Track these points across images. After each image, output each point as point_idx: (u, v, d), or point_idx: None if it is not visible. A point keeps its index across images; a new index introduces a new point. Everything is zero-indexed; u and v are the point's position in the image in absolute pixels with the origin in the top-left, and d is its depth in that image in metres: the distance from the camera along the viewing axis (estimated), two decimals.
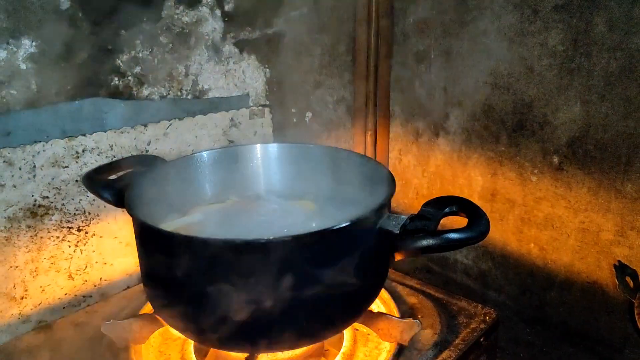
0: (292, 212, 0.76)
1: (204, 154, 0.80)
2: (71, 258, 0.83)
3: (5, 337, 0.78)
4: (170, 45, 0.89)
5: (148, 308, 0.78)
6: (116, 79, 0.84)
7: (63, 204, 0.81)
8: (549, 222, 1.02)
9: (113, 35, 0.82)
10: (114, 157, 0.84)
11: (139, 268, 0.72)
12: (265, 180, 0.84)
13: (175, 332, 0.71)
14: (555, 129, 0.96)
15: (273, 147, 0.84)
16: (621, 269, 0.92)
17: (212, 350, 0.72)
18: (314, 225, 0.70)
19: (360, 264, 0.60)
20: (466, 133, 1.11)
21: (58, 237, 0.81)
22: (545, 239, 1.03)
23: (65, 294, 0.84)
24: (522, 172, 1.03)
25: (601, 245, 0.95)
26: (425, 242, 0.56)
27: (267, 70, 1.05)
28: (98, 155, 0.82)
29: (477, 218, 0.57)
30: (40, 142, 0.77)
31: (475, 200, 1.01)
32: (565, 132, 0.95)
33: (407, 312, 0.78)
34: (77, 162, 0.81)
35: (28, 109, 0.76)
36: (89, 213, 0.84)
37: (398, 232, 0.57)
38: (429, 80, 1.15)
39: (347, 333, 0.73)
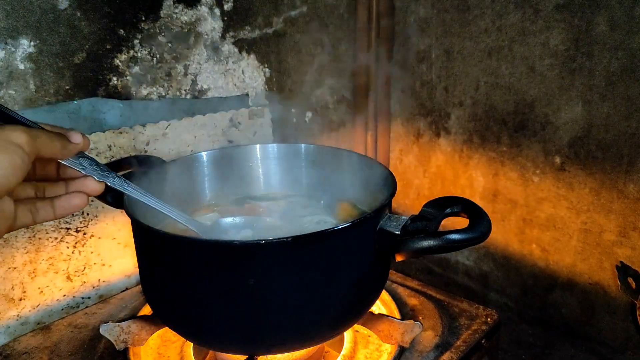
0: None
1: (203, 154, 0.79)
2: (69, 259, 0.83)
3: (3, 339, 0.78)
4: (169, 44, 0.88)
5: (147, 310, 0.78)
6: (115, 78, 0.83)
7: None
8: (550, 222, 1.01)
9: (111, 35, 0.81)
10: (113, 157, 0.84)
11: (137, 269, 0.72)
12: (264, 181, 0.84)
13: (174, 334, 0.71)
14: (556, 129, 0.96)
15: (273, 147, 0.84)
16: (623, 270, 0.91)
17: (211, 352, 0.71)
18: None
19: (360, 265, 0.59)
20: (467, 133, 1.10)
21: (56, 239, 0.81)
22: (547, 240, 1.03)
23: (64, 296, 0.84)
24: (523, 173, 1.03)
25: (603, 246, 0.95)
26: (426, 243, 0.55)
27: (267, 69, 1.05)
28: (96, 155, 0.82)
29: (478, 219, 0.56)
30: None
31: (477, 200, 1.01)
32: (567, 132, 0.95)
33: (408, 313, 0.78)
34: None
35: (26, 109, 0.75)
36: (88, 214, 0.84)
37: (399, 232, 0.57)
38: (430, 80, 1.14)
39: (347, 335, 0.72)
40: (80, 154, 0.50)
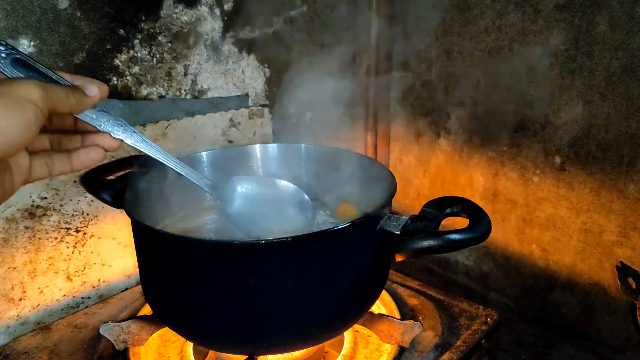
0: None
1: (203, 154, 0.79)
2: (69, 259, 0.83)
3: (3, 339, 0.78)
4: (169, 44, 0.88)
5: (147, 310, 0.78)
6: (115, 78, 0.83)
7: (61, 205, 0.80)
8: (550, 222, 1.01)
9: (111, 35, 0.81)
10: (113, 157, 0.84)
11: (137, 269, 0.72)
12: None
13: (174, 334, 0.71)
14: (557, 129, 0.96)
15: (273, 147, 0.84)
16: (623, 270, 0.91)
17: (211, 352, 0.71)
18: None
19: (360, 265, 0.59)
20: (467, 133, 1.10)
21: (56, 238, 0.81)
22: (547, 240, 1.03)
23: (64, 296, 0.84)
24: (523, 173, 1.03)
25: (603, 246, 0.95)
26: (426, 243, 0.55)
27: (267, 69, 1.05)
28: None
29: (478, 218, 0.56)
30: None
31: (477, 200, 1.01)
32: (567, 132, 0.95)
33: (408, 313, 0.78)
34: None
35: None
36: (88, 214, 0.84)
37: (399, 232, 0.57)
38: (430, 80, 1.14)
39: (347, 335, 0.72)
40: (98, 108, 0.49)
